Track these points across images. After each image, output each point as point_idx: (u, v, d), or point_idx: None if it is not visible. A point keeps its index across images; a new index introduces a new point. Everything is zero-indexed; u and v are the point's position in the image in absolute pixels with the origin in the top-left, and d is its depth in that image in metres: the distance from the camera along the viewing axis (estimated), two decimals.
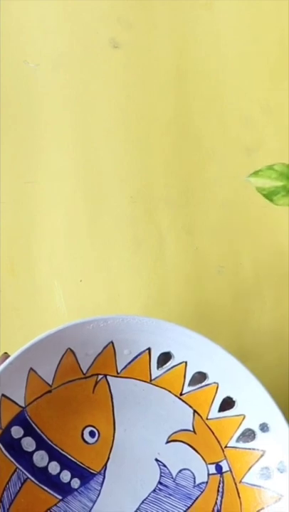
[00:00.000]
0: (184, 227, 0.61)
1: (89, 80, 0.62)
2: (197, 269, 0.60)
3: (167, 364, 0.47)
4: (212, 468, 0.47)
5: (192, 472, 0.47)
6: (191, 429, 0.47)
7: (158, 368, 0.47)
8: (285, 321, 0.59)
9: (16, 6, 0.62)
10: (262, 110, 0.62)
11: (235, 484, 0.46)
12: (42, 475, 0.46)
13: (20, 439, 0.45)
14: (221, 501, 0.46)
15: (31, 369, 0.45)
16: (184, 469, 0.47)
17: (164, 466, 0.47)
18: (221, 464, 0.47)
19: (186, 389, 0.47)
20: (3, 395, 0.44)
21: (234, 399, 0.46)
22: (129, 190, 0.61)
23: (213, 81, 0.63)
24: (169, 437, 0.47)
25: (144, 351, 0.46)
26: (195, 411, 0.47)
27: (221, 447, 0.47)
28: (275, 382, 0.54)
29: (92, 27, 0.63)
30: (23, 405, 0.45)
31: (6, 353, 0.44)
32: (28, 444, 0.46)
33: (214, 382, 0.47)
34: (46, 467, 0.46)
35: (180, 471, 0.47)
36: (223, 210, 0.61)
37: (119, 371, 0.47)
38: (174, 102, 0.62)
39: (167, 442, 0.47)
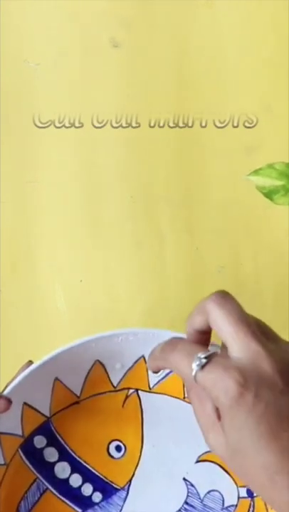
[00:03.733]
0: (184, 227, 0.61)
1: (89, 79, 0.62)
2: (197, 269, 0.60)
3: None
4: (243, 492, 0.45)
5: (221, 494, 0.46)
6: None
7: None
8: (285, 320, 0.59)
9: (16, 6, 0.62)
10: (262, 110, 0.62)
11: (267, 510, 0.45)
12: (63, 486, 0.45)
13: (42, 449, 0.44)
14: None
15: (57, 379, 0.43)
16: (213, 490, 0.46)
17: (192, 486, 0.46)
18: None
19: None
20: (25, 403, 0.43)
21: None
22: (129, 190, 0.61)
23: (214, 80, 0.63)
24: (199, 457, 0.46)
25: None
26: None
27: None
28: None
29: (93, 26, 0.62)
30: (48, 415, 0.44)
31: (30, 361, 0.43)
32: (50, 454, 0.45)
33: None
34: (67, 479, 0.45)
35: (208, 492, 0.46)
36: (223, 210, 0.61)
37: (151, 386, 0.46)
38: (174, 101, 0.62)
39: (197, 462, 0.46)
